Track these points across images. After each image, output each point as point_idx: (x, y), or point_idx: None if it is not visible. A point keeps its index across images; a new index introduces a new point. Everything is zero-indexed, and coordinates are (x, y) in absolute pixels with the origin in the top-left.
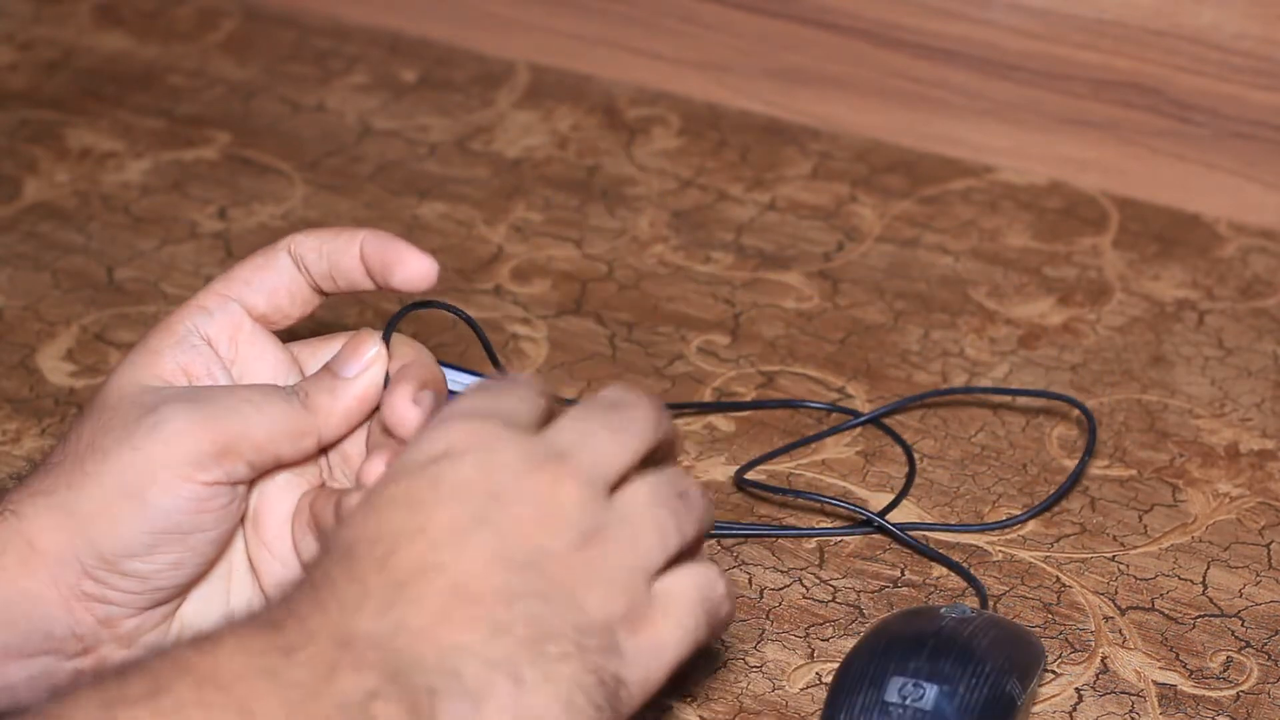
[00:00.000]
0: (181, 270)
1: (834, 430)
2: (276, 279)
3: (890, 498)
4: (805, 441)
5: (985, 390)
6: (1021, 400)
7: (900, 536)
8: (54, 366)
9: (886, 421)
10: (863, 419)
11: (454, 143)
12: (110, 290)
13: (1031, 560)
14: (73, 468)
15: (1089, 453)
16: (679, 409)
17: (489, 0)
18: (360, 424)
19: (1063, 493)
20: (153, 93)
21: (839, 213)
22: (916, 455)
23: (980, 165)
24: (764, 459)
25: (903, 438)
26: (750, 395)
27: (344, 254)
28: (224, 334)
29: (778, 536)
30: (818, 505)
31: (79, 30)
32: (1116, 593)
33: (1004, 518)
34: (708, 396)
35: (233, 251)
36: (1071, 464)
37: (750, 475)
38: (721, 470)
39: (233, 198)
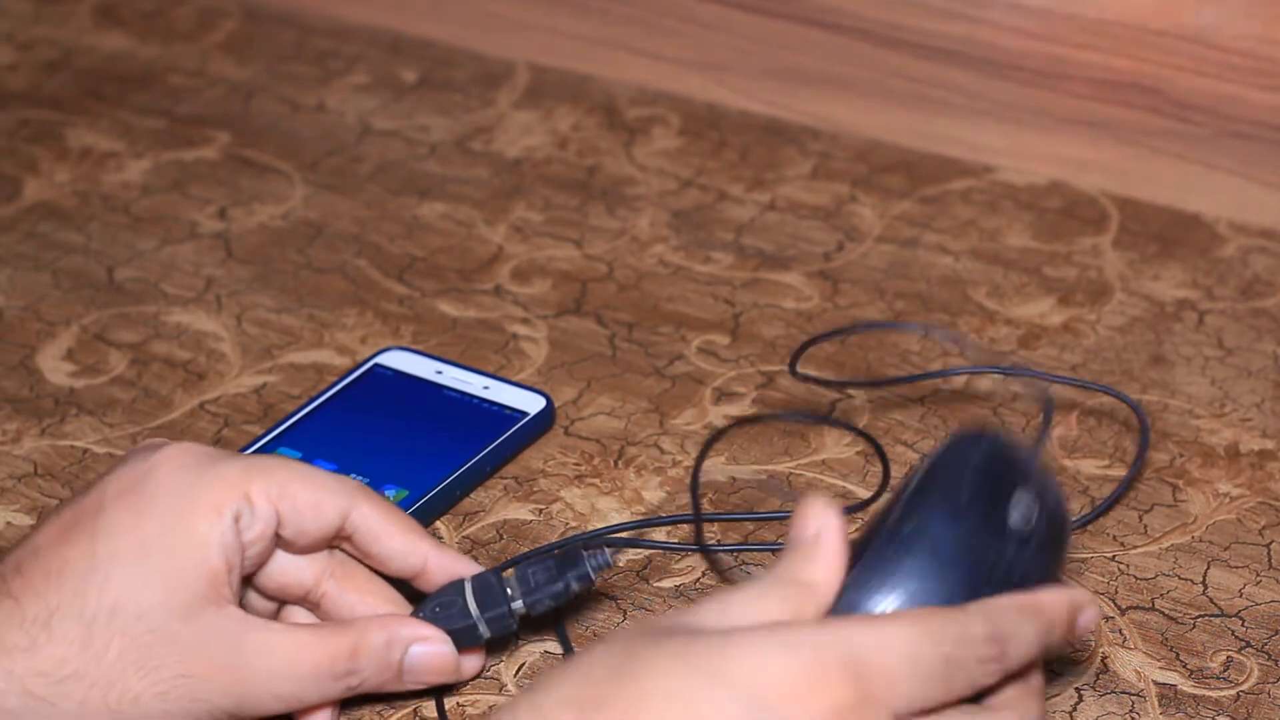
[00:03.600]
0: (181, 270)
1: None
2: (321, 526)
3: (890, 498)
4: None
5: (953, 373)
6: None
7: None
8: (54, 366)
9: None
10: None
11: (454, 143)
12: (110, 290)
13: None
14: None
15: (1145, 442)
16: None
17: (489, 0)
18: None
19: (1122, 490)
20: (153, 93)
21: (839, 213)
22: (916, 455)
23: (980, 165)
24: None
25: (878, 441)
26: (750, 394)
27: (402, 559)
28: (252, 536)
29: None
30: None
31: (79, 30)
32: (1116, 593)
33: None
34: (708, 396)
35: (232, 252)
36: (1072, 464)
37: (750, 468)
38: (720, 470)
39: (233, 198)
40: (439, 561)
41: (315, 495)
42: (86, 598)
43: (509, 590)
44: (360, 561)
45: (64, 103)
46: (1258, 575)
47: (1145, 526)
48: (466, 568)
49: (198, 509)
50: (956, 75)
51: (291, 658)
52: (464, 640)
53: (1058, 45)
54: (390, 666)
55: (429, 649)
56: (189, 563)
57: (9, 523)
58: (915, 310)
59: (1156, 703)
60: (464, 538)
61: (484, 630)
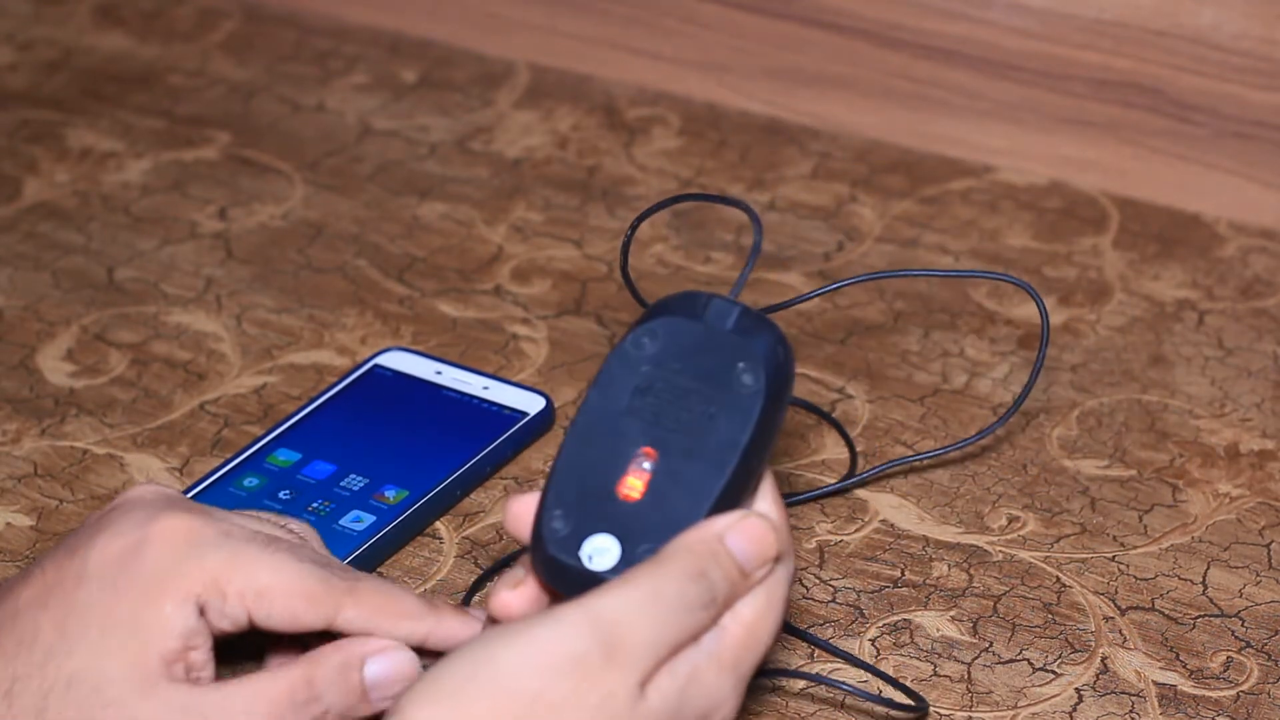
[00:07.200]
0: (181, 270)
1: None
2: (300, 629)
3: (890, 499)
4: None
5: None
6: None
7: None
8: (54, 366)
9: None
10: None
11: (454, 143)
12: (110, 290)
13: (1031, 560)
14: None
15: (1045, 332)
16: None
17: (489, 0)
18: None
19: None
20: (153, 93)
21: (839, 213)
22: (917, 455)
23: (980, 165)
24: None
25: (845, 430)
26: None
27: (402, 640)
28: (224, 626)
29: None
30: (816, 505)
31: (79, 30)
32: (1116, 593)
33: (1004, 520)
34: None
35: (232, 252)
36: (1072, 464)
37: None
38: None
39: (233, 198)
40: (440, 638)
41: (293, 605)
42: (46, 670)
43: None
44: None
45: (64, 103)
46: (1258, 575)
47: (1145, 527)
48: (469, 633)
49: (169, 591)
50: (956, 75)
51: (249, 705)
52: None
53: (1058, 45)
54: (353, 689)
55: (386, 659)
56: (148, 640)
57: (9, 523)
58: (915, 310)
59: (1156, 703)
60: (464, 538)
61: None
